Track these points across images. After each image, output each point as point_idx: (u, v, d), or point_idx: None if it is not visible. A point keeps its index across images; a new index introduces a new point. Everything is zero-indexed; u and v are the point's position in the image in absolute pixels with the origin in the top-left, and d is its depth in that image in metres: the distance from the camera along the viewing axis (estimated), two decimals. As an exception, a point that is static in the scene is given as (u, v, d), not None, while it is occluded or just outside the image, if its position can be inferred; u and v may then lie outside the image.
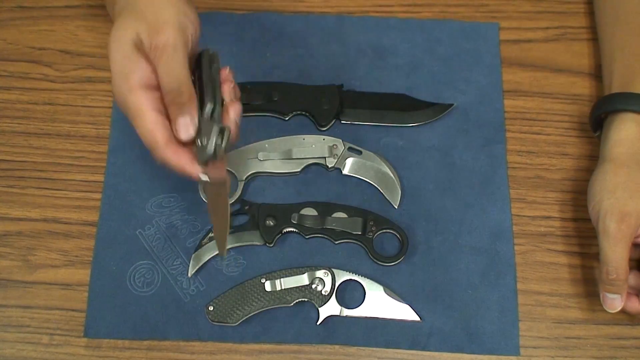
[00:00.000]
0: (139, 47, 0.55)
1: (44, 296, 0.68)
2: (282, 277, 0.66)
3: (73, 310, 0.67)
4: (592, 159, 0.73)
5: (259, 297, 0.66)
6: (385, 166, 0.71)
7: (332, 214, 0.69)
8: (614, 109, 0.67)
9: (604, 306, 0.63)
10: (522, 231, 0.70)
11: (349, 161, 0.71)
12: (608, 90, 0.70)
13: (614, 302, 0.63)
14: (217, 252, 0.67)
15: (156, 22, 0.55)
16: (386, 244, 0.69)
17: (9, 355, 0.66)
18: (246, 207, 0.69)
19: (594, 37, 0.77)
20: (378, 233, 0.69)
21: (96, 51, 0.77)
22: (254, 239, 0.69)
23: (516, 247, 0.70)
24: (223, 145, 0.55)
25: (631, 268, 0.66)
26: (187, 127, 0.54)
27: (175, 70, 0.54)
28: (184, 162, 0.55)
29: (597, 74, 0.75)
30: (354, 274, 0.67)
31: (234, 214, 0.69)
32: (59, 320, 0.67)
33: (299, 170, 0.71)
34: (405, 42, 0.77)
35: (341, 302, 0.67)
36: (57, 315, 0.67)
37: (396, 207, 0.70)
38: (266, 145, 0.71)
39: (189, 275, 0.67)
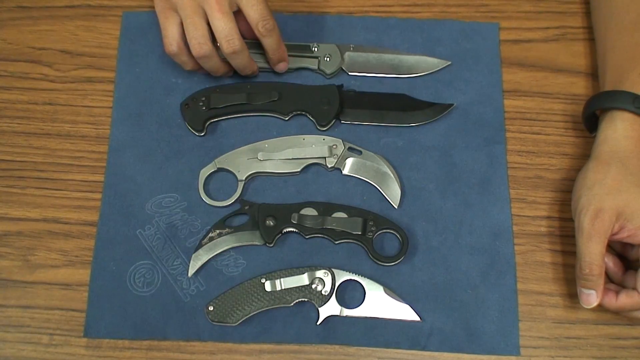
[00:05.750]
0: None
1: (44, 296, 0.68)
2: (282, 277, 0.66)
3: (73, 310, 0.67)
4: (592, 159, 0.73)
5: (259, 297, 0.66)
6: (385, 166, 0.71)
7: (332, 214, 0.69)
8: (601, 107, 0.67)
9: (580, 302, 0.64)
10: (522, 231, 0.70)
11: (349, 161, 0.72)
12: (602, 89, 0.70)
13: (589, 298, 0.63)
14: (216, 252, 0.68)
15: None
16: (386, 244, 0.69)
17: (9, 355, 0.66)
18: (246, 207, 0.69)
19: (594, 37, 0.77)
20: (378, 233, 0.69)
21: (96, 51, 0.77)
22: (254, 239, 0.69)
23: (516, 247, 0.70)
24: None
25: (615, 264, 0.66)
26: None
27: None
28: None
29: (597, 74, 0.75)
30: (354, 274, 0.67)
31: (234, 214, 0.69)
32: (59, 320, 0.67)
33: (299, 170, 0.71)
34: (405, 42, 0.77)
35: (341, 302, 0.67)
36: (57, 315, 0.67)
37: (396, 207, 0.70)
38: (266, 145, 0.71)
39: (189, 275, 0.67)
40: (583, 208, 0.63)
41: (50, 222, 0.70)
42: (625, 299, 0.63)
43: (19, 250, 0.69)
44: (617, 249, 0.67)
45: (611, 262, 0.66)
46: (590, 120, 0.70)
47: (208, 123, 0.73)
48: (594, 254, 0.62)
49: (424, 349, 0.66)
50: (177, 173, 0.72)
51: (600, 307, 0.64)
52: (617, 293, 0.64)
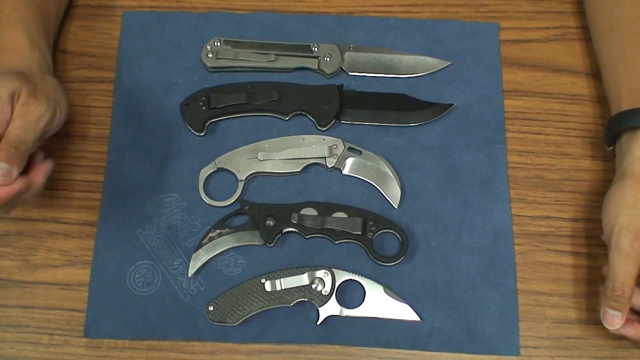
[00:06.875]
0: (13, 98, 0.60)
1: (44, 296, 0.68)
2: (282, 277, 0.66)
3: (73, 310, 0.67)
4: (592, 159, 0.73)
5: (259, 297, 0.66)
6: (385, 166, 0.71)
7: (332, 214, 0.69)
8: (630, 126, 0.65)
9: (604, 322, 0.62)
10: (522, 231, 0.70)
11: (349, 161, 0.72)
12: (616, 101, 0.68)
13: (614, 319, 0.61)
14: (216, 252, 0.68)
15: (40, 92, 0.61)
16: (386, 244, 0.69)
17: (9, 355, 0.66)
18: (246, 207, 0.69)
19: (594, 48, 0.76)
20: (378, 233, 0.69)
21: (96, 51, 0.77)
22: (254, 239, 0.69)
23: (516, 247, 0.70)
24: None
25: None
26: None
27: (29, 131, 0.60)
28: None
29: (597, 74, 0.75)
30: (354, 274, 0.67)
31: (234, 214, 0.69)
32: (59, 320, 0.67)
33: (299, 170, 0.71)
34: (405, 42, 0.77)
35: (341, 302, 0.67)
36: (57, 315, 0.67)
37: (396, 207, 0.70)
38: (266, 145, 0.71)
39: (189, 275, 0.67)
40: (623, 228, 0.61)
41: (50, 222, 0.70)
42: None
43: (19, 250, 0.69)
44: None
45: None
46: (611, 136, 0.68)
47: (208, 123, 0.73)
48: (628, 275, 0.60)
49: (424, 349, 0.66)
50: (177, 173, 0.72)
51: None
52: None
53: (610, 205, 0.64)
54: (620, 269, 0.61)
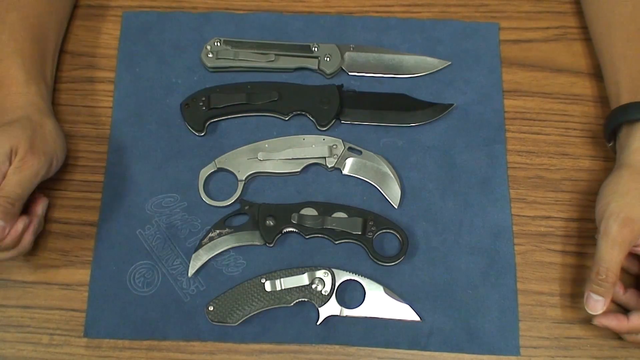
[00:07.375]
0: (9, 155, 0.62)
1: (44, 296, 0.68)
2: (282, 277, 0.66)
3: (73, 310, 0.67)
4: (592, 159, 0.73)
5: (259, 297, 0.66)
6: (385, 166, 0.71)
7: (332, 214, 0.69)
8: (631, 118, 0.66)
9: (586, 307, 0.63)
10: (522, 231, 0.70)
11: (349, 161, 0.72)
12: (616, 98, 0.69)
13: (597, 304, 0.62)
14: (216, 252, 0.68)
15: (37, 147, 0.64)
16: (386, 244, 0.69)
17: (9, 355, 0.66)
18: (246, 207, 0.69)
19: (594, 47, 0.76)
20: (378, 233, 0.69)
21: (96, 51, 0.77)
22: (254, 239, 0.69)
23: (516, 247, 0.70)
24: None
25: (628, 285, 0.66)
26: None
27: (25, 187, 0.62)
28: None
29: (597, 73, 0.75)
30: (354, 274, 0.67)
31: (234, 214, 0.69)
32: (59, 320, 0.67)
33: (299, 170, 0.71)
34: (405, 42, 0.77)
35: (341, 302, 0.67)
36: (57, 315, 0.67)
37: (396, 207, 0.70)
38: (266, 145, 0.72)
39: (189, 275, 0.67)
40: (613, 213, 0.62)
41: (50, 222, 0.70)
42: (638, 320, 0.62)
43: (19, 250, 0.69)
44: (633, 266, 0.67)
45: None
46: (609, 131, 0.69)
47: (208, 123, 0.73)
48: (614, 261, 0.61)
49: (424, 349, 0.66)
50: (177, 173, 0.72)
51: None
52: (626, 315, 0.63)
53: (604, 192, 0.65)
54: (607, 254, 0.61)
